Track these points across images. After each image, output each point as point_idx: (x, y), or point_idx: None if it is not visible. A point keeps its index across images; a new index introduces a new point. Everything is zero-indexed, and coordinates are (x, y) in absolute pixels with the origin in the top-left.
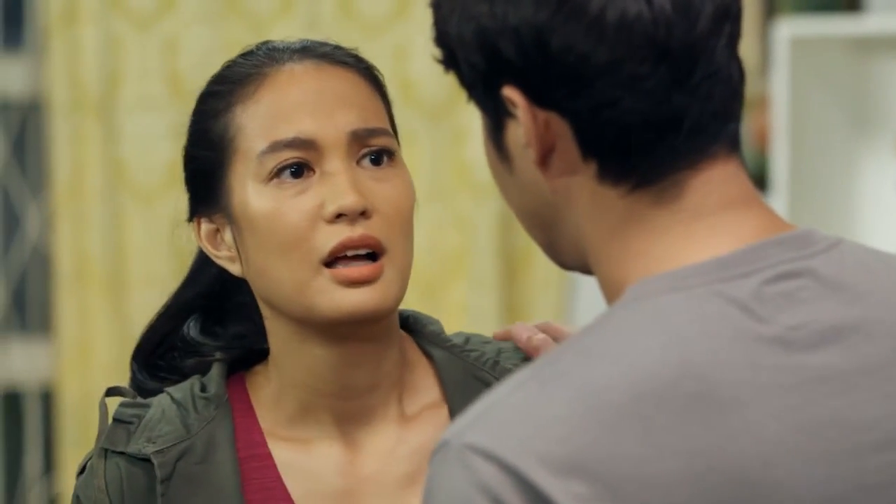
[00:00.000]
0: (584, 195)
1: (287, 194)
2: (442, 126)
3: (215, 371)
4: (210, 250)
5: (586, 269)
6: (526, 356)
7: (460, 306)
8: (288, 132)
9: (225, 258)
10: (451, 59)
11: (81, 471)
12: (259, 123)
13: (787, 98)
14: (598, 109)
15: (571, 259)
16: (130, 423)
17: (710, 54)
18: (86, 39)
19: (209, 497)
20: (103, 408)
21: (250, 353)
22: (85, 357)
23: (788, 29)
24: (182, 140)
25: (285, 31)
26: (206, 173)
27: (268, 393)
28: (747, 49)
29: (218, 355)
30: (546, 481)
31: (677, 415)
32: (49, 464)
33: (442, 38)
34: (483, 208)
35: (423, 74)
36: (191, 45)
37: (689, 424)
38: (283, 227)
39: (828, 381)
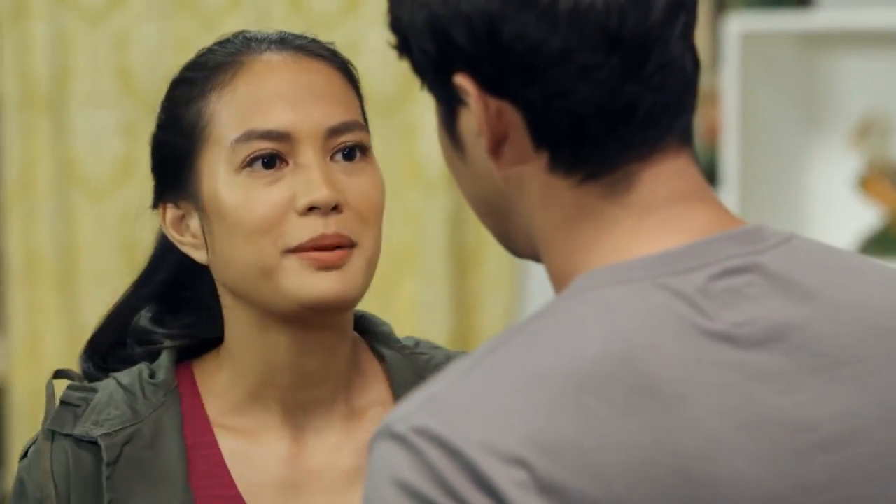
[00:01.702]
0: (535, 185)
1: (258, 184)
2: (393, 121)
3: (164, 358)
4: (175, 236)
5: (539, 258)
6: None
7: (411, 302)
8: (264, 123)
9: (189, 245)
10: (404, 46)
11: (25, 454)
12: (234, 111)
13: (737, 93)
14: (550, 99)
15: (523, 248)
16: (78, 405)
17: (664, 44)
18: (36, 34)
19: (155, 482)
20: (50, 390)
21: (198, 342)
22: (35, 353)
23: (738, 24)
24: (131, 135)
25: (235, 27)
26: (175, 159)
27: (217, 382)
28: (697, 44)
29: (167, 343)
30: (491, 467)
31: (618, 407)
32: None
33: (395, 24)
34: (434, 204)
35: (373, 70)
36: (141, 40)
37: (629, 417)
38: (252, 215)
39: (772, 379)
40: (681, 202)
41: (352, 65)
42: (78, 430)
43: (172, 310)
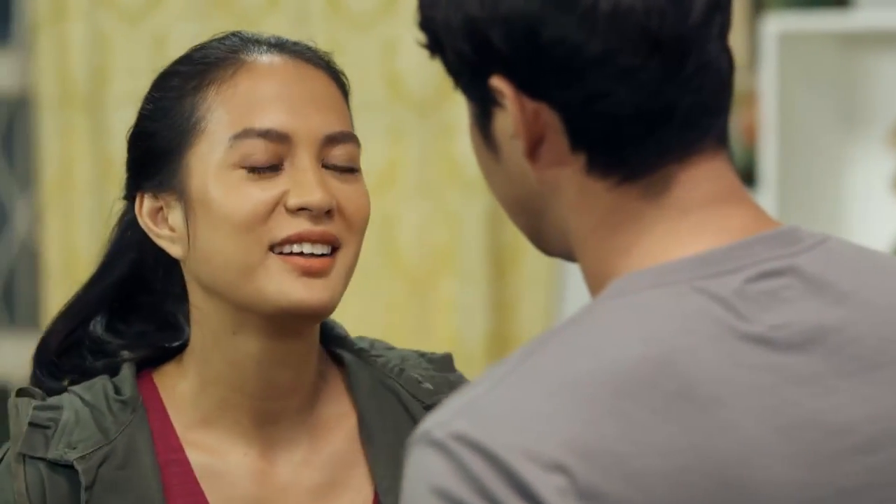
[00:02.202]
0: (572, 187)
1: (251, 182)
2: (430, 121)
3: (127, 372)
4: (151, 228)
5: (571, 258)
6: (433, 362)
7: (449, 302)
8: (263, 122)
9: (166, 238)
10: (436, 45)
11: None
12: (233, 108)
13: (775, 94)
14: (589, 101)
15: (556, 247)
16: (47, 427)
17: (702, 46)
18: (74, 35)
19: (133, 503)
20: (13, 408)
21: (156, 351)
22: None
23: (776, 24)
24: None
25: (273, 27)
26: (161, 150)
27: (182, 392)
28: (735, 44)
29: (126, 355)
30: (531, 473)
31: (657, 412)
32: None
33: (427, 23)
34: (472, 204)
35: (411, 69)
36: (179, 40)
37: (668, 422)
38: (240, 211)
39: (809, 382)
40: (717, 204)
41: (344, 76)
42: (52, 454)
43: (124, 317)
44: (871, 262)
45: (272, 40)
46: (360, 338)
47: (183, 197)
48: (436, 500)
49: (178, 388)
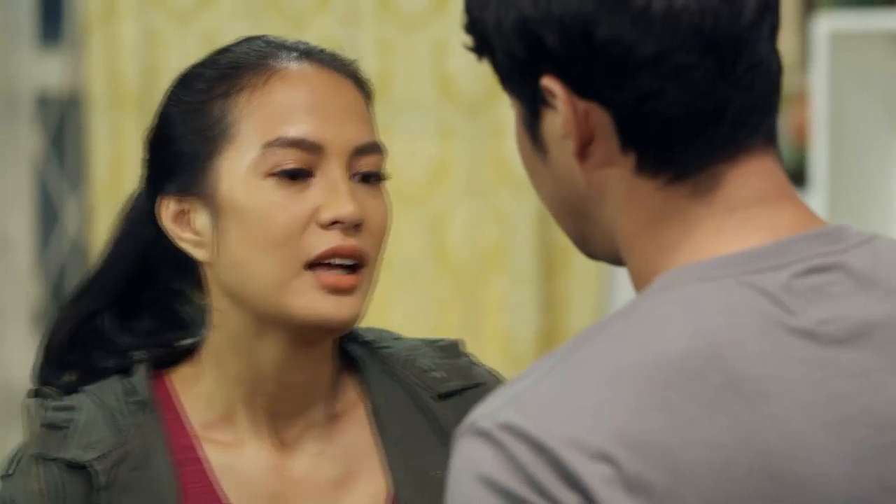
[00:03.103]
0: (621, 187)
1: (284, 193)
2: (480, 121)
3: (141, 373)
4: (174, 231)
5: (616, 260)
6: (442, 350)
7: (500, 302)
8: (297, 131)
9: (189, 241)
10: (483, 47)
11: (7, 473)
12: (266, 115)
13: (826, 93)
14: (640, 101)
15: (602, 250)
16: (62, 427)
17: (754, 46)
18: (125, 34)
19: (148, 503)
20: (27, 410)
21: (167, 351)
22: None
23: (828, 24)
24: None
25: (323, 26)
26: (187, 154)
27: (198, 392)
28: (786, 44)
29: (138, 355)
30: (577, 462)
31: (704, 405)
32: None
33: (475, 25)
34: (522, 204)
35: (461, 69)
36: (229, 39)
37: (715, 415)
38: (274, 224)
39: (856, 377)
40: (765, 202)
41: (369, 83)
42: (69, 455)
43: (132, 312)
44: None
45: (301, 46)
46: (368, 329)
47: (211, 202)
48: (481, 490)
49: (193, 389)
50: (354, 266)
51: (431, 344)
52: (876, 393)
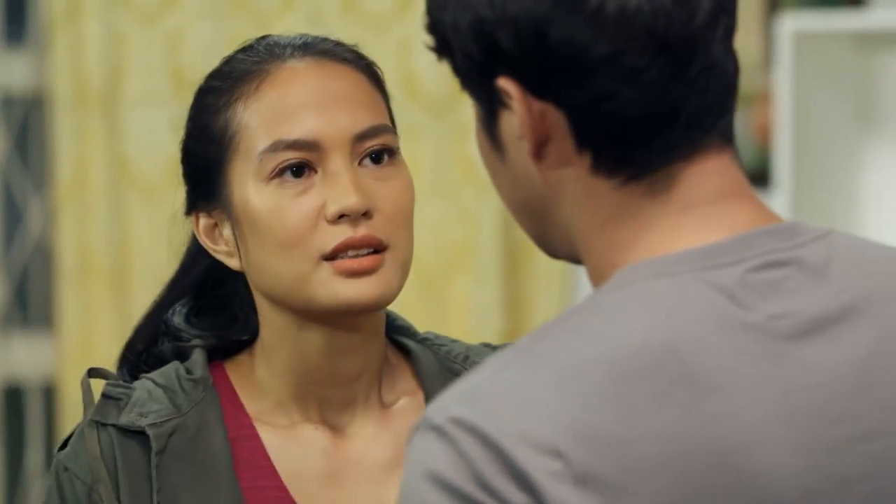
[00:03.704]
0: (577, 187)
1: (289, 193)
2: (445, 121)
3: (198, 357)
4: (209, 245)
5: (576, 259)
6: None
7: (463, 301)
8: (291, 132)
9: (223, 253)
10: (444, 47)
11: (63, 446)
12: (261, 121)
13: (789, 93)
14: (596, 101)
15: (561, 249)
16: (119, 399)
17: (708, 47)
18: (89, 34)
19: (201, 473)
20: (86, 384)
21: (226, 343)
22: (87, 352)
23: (791, 24)
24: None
25: (288, 27)
26: (205, 169)
27: (252, 383)
28: (750, 44)
29: (195, 342)
30: (526, 458)
31: (657, 398)
32: (50, 459)
33: (436, 26)
34: (486, 203)
35: (426, 69)
36: (194, 40)
37: (668, 408)
38: (283, 225)
39: (809, 371)
40: (721, 200)
41: (376, 66)
42: (124, 420)
43: (197, 313)
44: (873, 255)
45: (297, 42)
46: (425, 332)
47: (230, 213)
48: (429, 486)
49: (248, 378)
50: (374, 251)
51: (489, 346)
52: (829, 386)
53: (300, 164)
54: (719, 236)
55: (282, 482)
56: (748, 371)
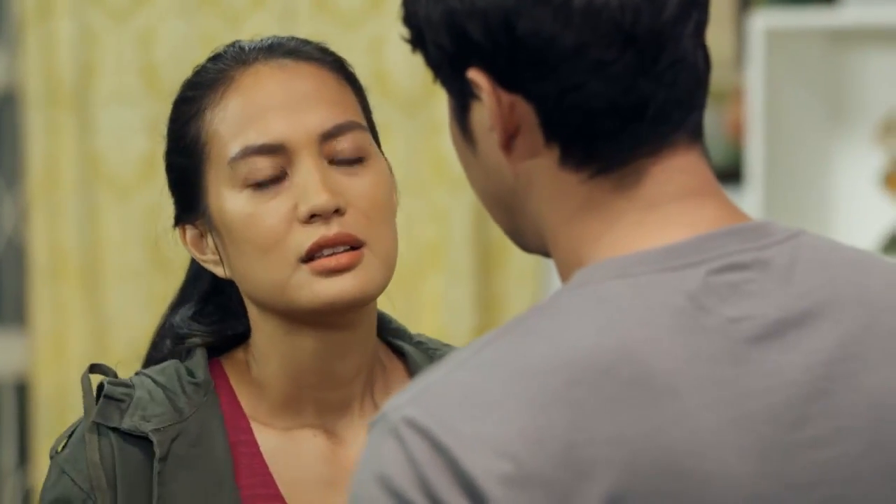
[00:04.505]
0: (546, 179)
1: (261, 199)
2: (417, 118)
3: (199, 357)
4: (197, 255)
5: (547, 253)
6: None
7: (436, 298)
8: (257, 137)
9: (211, 262)
10: (418, 40)
11: (64, 446)
12: (228, 128)
13: (761, 90)
14: (563, 93)
15: (532, 242)
16: (122, 400)
17: (677, 41)
18: (61, 32)
19: (203, 480)
20: (86, 383)
21: (223, 339)
22: (60, 350)
23: (763, 21)
24: (156, 133)
25: (259, 25)
26: (184, 180)
27: (250, 380)
28: (722, 41)
29: (195, 340)
30: (475, 463)
31: (610, 400)
32: (24, 456)
33: (410, 18)
34: (459, 200)
35: (398, 67)
36: (166, 38)
37: (621, 411)
38: (258, 231)
39: (766, 376)
40: (688, 198)
41: (346, 62)
42: (126, 424)
43: (203, 311)
44: (841, 257)
45: (263, 46)
46: (416, 334)
47: (210, 222)
48: (376, 488)
49: (245, 374)
50: (351, 248)
51: None
52: (784, 391)
53: (269, 167)
54: (683, 235)
55: (279, 491)
56: (704, 374)
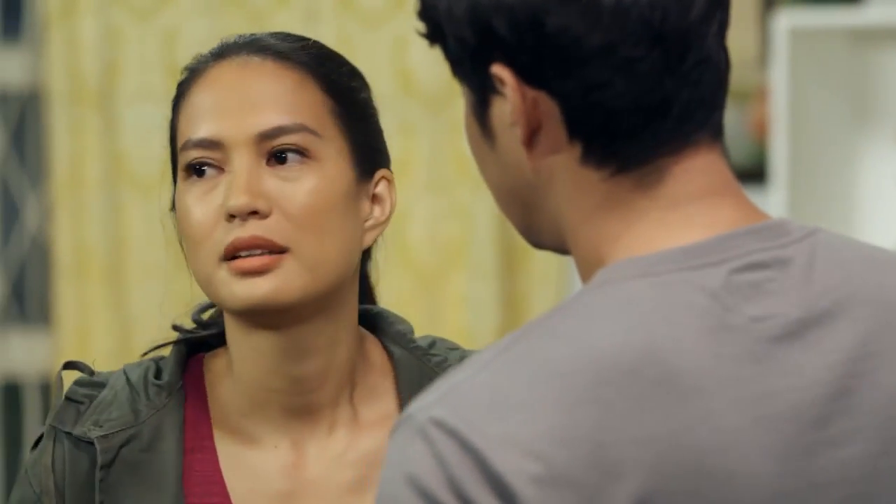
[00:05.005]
0: (567, 177)
1: (196, 193)
2: (441, 117)
3: (172, 357)
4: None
5: (562, 250)
6: None
7: (460, 297)
8: (198, 132)
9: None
10: (435, 33)
11: (35, 445)
12: (185, 121)
13: (786, 90)
14: (588, 91)
15: (548, 239)
16: (81, 402)
17: (702, 41)
18: (85, 30)
19: (149, 486)
20: (59, 382)
21: (209, 335)
22: (84, 348)
23: (788, 20)
24: None
25: (283, 24)
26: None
27: (224, 382)
28: (746, 40)
29: (175, 337)
30: (505, 462)
31: (636, 400)
32: None
33: (428, 12)
34: (482, 200)
35: (421, 66)
36: (190, 36)
37: (647, 411)
38: (191, 224)
39: (788, 374)
40: (708, 197)
41: (327, 62)
42: (77, 430)
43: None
44: (859, 256)
45: (241, 41)
46: (425, 337)
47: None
48: (407, 489)
49: (221, 377)
50: (269, 252)
51: None
52: (807, 390)
53: (200, 162)
54: (704, 234)
55: (230, 501)
56: (728, 374)
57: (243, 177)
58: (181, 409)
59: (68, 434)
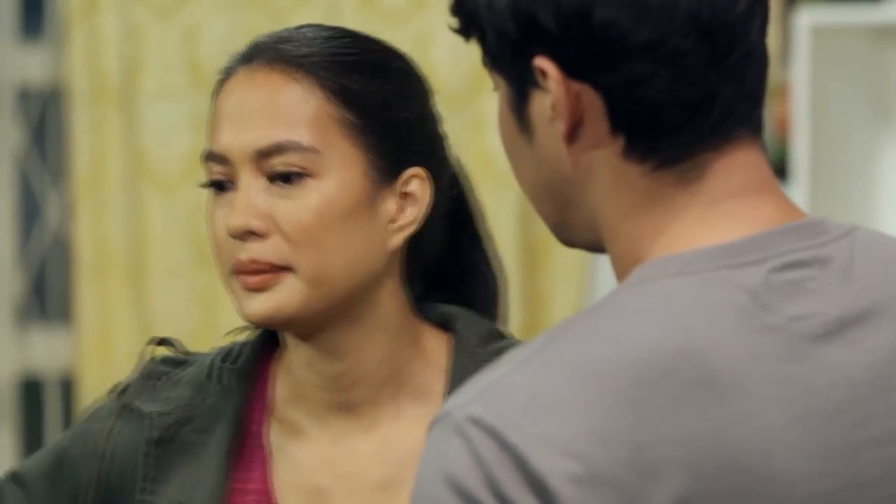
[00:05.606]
0: (607, 171)
1: (217, 203)
2: (462, 115)
3: (251, 343)
4: None
5: (595, 247)
6: None
7: None
8: (212, 144)
9: None
10: (471, 27)
11: (122, 392)
12: (209, 129)
13: (807, 87)
14: (633, 84)
15: (582, 236)
16: (157, 378)
17: (747, 35)
18: (106, 28)
19: (196, 466)
20: (141, 356)
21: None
22: (105, 345)
23: (810, 17)
24: (201, 129)
25: (305, 21)
26: None
27: (283, 374)
28: (768, 37)
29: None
30: (544, 461)
31: (676, 400)
32: None
33: (464, 6)
34: (504, 197)
35: (443, 63)
36: (211, 33)
37: (686, 410)
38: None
39: (829, 374)
40: (749, 194)
41: (341, 66)
42: (139, 404)
43: None
44: None
45: (262, 44)
46: (508, 339)
47: None
48: (444, 488)
49: (285, 365)
50: (273, 269)
51: None
52: (846, 390)
53: (217, 180)
54: (744, 232)
55: (268, 489)
56: (768, 373)
57: (241, 198)
58: (244, 394)
59: (129, 407)
